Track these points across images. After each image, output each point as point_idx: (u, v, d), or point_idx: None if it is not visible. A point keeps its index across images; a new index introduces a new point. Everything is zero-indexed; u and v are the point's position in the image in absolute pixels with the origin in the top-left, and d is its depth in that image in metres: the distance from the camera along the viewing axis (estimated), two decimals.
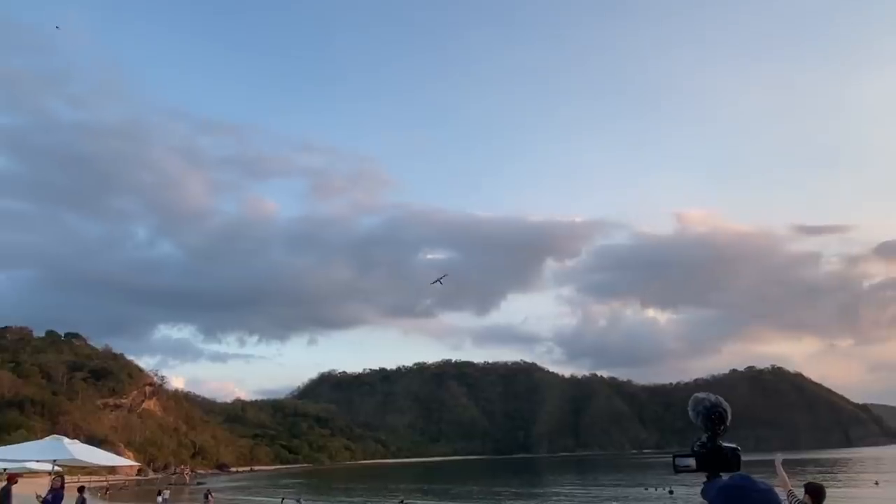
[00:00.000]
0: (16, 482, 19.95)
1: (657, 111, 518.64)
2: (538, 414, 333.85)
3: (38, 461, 19.02)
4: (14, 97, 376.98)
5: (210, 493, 42.06)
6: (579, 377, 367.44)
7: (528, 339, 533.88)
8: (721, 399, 3.08)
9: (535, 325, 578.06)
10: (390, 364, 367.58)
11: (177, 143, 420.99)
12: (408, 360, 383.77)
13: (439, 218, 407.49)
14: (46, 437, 19.75)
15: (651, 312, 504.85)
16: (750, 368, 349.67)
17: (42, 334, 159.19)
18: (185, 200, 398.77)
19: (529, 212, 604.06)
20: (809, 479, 8.36)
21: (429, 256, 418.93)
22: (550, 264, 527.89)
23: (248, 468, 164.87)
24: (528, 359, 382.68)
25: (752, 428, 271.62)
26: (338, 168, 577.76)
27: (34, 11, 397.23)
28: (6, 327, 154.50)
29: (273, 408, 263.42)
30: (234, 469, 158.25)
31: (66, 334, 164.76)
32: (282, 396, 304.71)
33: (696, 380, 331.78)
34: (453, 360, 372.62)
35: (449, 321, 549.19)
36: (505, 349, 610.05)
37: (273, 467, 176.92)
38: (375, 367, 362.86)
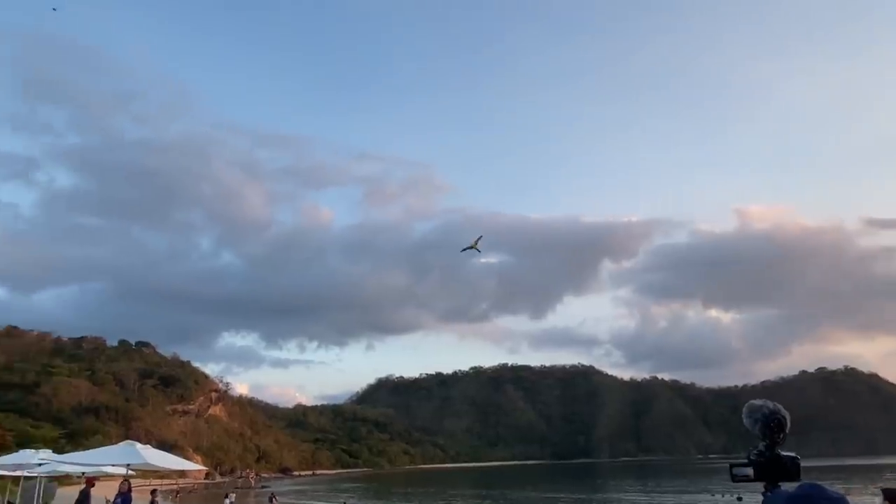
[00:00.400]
0: (93, 485, 20.98)
1: (714, 106, 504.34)
2: (598, 418, 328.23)
3: (113, 465, 19.92)
4: (85, 118, 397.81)
5: (274, 497, 42.99)
6: (639, 380, 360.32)
7: (585, 342, 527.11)
8: (779, 406, 3.02)
9: (592, 328, 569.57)
10: (447, 368, 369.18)
11: (236, 156, 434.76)
12: (464, 364, 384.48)
13: (493, 221, 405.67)
14: (121, 443, 20.63)
15: (713, 313, 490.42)
16: (821, 370, 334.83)
17: (115, 343, 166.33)
18: (245, 211, 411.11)
19: (584, 212, 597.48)
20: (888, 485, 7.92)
21: (483, 260, 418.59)
22: (607, 265, 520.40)
23: (310, 472, 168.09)
24: (586, 362, 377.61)
25: (826, 430, 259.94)
26: (391, 175, 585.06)
27: (102, 36, 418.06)
28: (82, 337, 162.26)
29: (333, 413, 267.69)
30: (296, 473, 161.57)
31: (137, 343, 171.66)
32: (341, 401, 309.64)
33: (763, 382, 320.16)
34: (510, 364, 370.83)
35: (505, 325, 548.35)
36: (562, 352, 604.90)
37: (334, 471, 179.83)
38: (432, 371, 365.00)
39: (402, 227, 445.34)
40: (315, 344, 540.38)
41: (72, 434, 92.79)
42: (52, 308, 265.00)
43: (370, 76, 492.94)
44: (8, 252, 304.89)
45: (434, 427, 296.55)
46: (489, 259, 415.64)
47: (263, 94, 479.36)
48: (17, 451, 35.32)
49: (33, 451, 29.89)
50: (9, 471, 31.10)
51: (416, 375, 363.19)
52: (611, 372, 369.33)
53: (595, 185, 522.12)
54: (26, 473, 30.10)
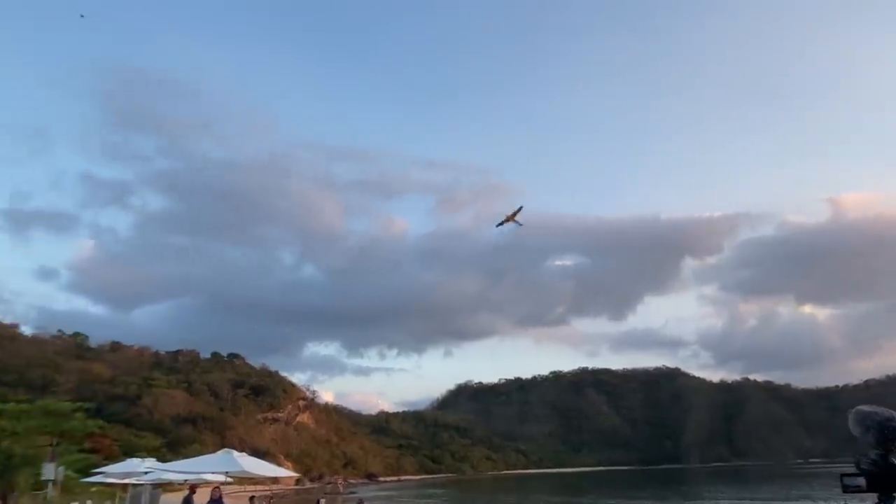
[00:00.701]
0: (195, 492, 22.16)
1: (796, 92, 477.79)
2: (685, 422, 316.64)
3: (213, 473, 21.00)
4: (173, 143, 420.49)
5: (362, 502, 43.89)
6: (730, 382, 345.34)
7: (670, 344, 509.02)
8: (894, 413, 2.91)
9: (676, 329, 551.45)
10: (525, 373, 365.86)
11: (313, 171, 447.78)
12: (542, 368, 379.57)
13: (566, 223, 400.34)
14: (219, 451, 21.69)
15: (808, 309, 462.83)
16: None
17: (208, 356, 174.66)
18: (323, 224, 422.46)
19: (662, 209, 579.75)
20: None
21: (557, 263, 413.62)
22: (689, 263, 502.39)
23: (395, 478, 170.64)
24: (671, 364, 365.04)
25: None
26: (461, 181, 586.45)
27: (185, 65, 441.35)
28: (178, 351, 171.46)
29: (415, 419, 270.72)
30: (382, 479, 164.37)
31: (229, 355, 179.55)
32: (422, 408, 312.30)
33: (866, 381, 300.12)
34: (590, 368, 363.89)
35: (583, 328, 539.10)
36: (645, 355, 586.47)
37: (419, 477, 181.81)
38: (510, 376, 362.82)
39: (473, 232, 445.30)
40: (395, 351, 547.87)
41: (171, 443, 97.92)
42: (149, 323, 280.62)
43: (431, 83, 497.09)
44: (109, 273, 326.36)
45: (515, 432, 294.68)
46: (564, 262, 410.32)
47: (334, 109, 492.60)
48: (124, 460, 37.77)
49: (139, 459, 31.87)
50: (118, 479, 33.34)
51: (495, 381, 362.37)
52: (698, 374, 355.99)
53: (673, 181, 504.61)
54: (134, 481, 32.14)
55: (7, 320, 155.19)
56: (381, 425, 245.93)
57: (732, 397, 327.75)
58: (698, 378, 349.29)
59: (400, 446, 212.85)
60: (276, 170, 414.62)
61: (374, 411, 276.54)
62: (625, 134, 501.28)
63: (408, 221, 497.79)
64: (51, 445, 36.15)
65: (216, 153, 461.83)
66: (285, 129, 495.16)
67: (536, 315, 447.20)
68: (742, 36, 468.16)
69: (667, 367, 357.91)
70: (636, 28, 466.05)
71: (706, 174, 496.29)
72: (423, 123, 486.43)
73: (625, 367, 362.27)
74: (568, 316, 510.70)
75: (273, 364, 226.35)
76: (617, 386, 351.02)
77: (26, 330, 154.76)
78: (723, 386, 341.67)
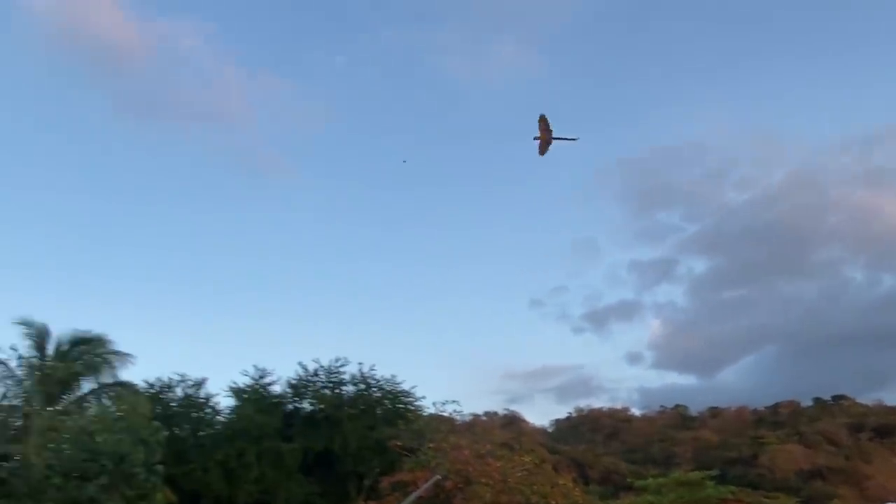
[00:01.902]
0: None
1: None
2: None
3: None
4: (694, 204, 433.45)
5: None
6: None
7: None
8: None
9: None
10: None
11: (852, 169, 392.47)
12: None
13: None
14: None
15: None
16: None
17: (809, 402, 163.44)
18: (885, 226, 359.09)
19: None
20: None
21: None
22: None
23: None
24: None
25: None
26: None
27: (685, 126, 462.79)
28: (776, 403, 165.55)
29: None
30: None
31: (833, 397, 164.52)
32: None
33: None
34: None
35: None
36: None
37: None
38: None
39: None
40: None
41: (806, 501, 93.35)
42: (735, 382, 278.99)
43: None
44: (682, 343, 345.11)
45: None
46: None
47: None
48: None
49: None
50: None
51: None
52: None
53: None
54: None
55: (618, 406, 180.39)
56: None
57: None
58: None
59: None
60: (810, 185, 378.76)
61: None
62: None
63: None
64: None
65: (738, 197, 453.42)
66: (794, 140, 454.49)
67: None
68: None
69: None
70: None
71: None
72: None
73: None
74: None
75: (889, 399, 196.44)
76: None
77: (635, 411, 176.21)
78: None
